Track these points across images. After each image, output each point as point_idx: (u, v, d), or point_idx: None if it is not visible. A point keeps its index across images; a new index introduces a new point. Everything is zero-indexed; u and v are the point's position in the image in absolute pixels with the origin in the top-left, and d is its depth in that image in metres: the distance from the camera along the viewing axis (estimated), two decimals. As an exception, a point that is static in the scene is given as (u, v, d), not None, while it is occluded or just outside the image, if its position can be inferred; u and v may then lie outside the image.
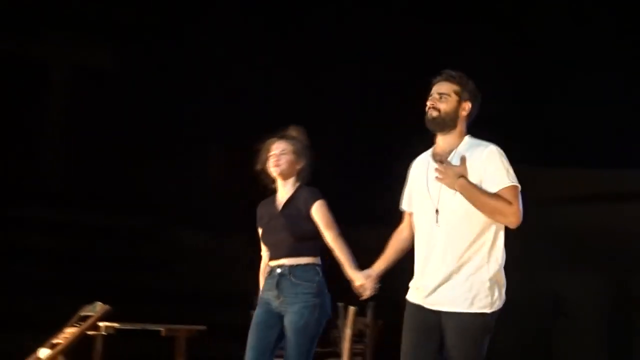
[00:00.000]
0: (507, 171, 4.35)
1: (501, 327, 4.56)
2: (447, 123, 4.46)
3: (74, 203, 10.17)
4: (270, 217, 5.44)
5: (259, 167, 5.49)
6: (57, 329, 6.92)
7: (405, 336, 4.45)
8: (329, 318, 5.49)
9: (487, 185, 4.33)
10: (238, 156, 7.06)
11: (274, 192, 5.50)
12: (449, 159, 4.39)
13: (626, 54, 9.45)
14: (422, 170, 4.54)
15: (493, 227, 4.37)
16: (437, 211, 4.40)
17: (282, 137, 5.48)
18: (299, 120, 5.58)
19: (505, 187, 4.33)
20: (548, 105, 9.97)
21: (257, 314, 5.42)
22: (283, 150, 5.42)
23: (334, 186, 5.62)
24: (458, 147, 4.45)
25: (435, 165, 4.38)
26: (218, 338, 8.57)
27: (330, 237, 5.29)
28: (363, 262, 5.05)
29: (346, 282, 5.17)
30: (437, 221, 4.40)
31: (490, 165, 4.35)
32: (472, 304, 4.32)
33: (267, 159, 5.45)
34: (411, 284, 4.53)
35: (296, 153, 5.43)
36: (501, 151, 4.40)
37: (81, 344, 6.93)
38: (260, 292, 5.49)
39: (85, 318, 6.94)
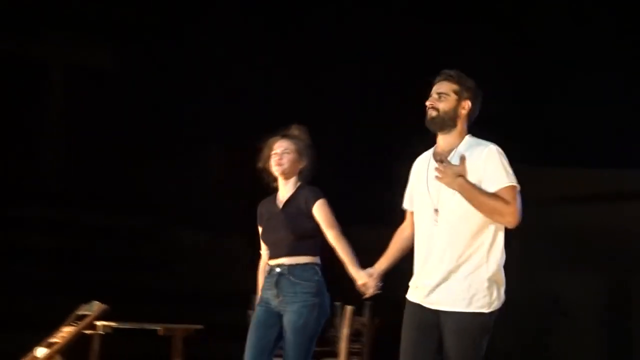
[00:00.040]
0: (506, 171, 4.36)
1: (501, 327, 4.56)
2: (446, 122, 4.47)
3: (74, 203, 10.17)
4: (270, 215, 5.45)
5: (260, 165, 5.50)
6: (57, 328, 6.93)
7: (405, 335, 4.45)
8: (328, 317, 5.50)
9: (486, 185, 4.33)
10: (238, 156, 7.07)
11: (275, 190, 5.50)
12: (449, 158, 4.40)
13: (626, 54, 9.45)
14: (422, 169, 4.55)
15: (492, 227, 4.37)
16: (436, 210, 4.41)
17: (284, 136, 5.48)
18: (299, 120, 5.59)
19: (504, 187, 4.33)
20: (548, 105, 9.97)
21: (256, 314, 5.42)
22: (286, 149, 5.42)
23: (334, 186, 5.62)
24: (458, 147, 4.45)
25: (436, 165, 4.39)
26: (218, 338, 8.57)
27: (332, 236, 5.29)
28: (363, 261, 5.05)
29: (343, 282, 5.17)
30: (436, 220, 4.41)
31: (489, 165, 4.36)
32: (470, 303, 4.33)
33: (269, 157, 5.45)
34: (411, 283, 4.53)
35: (299, 152, 5.44)
36: (501, 151, 4.41)
37: (78, 343, 6.93)
38: (260, 292, 5.50)
39: (82, 317, 6.94)
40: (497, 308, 4.38)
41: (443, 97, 4.48)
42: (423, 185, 4.50)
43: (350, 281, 5.10)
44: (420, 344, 4.41)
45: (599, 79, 9.33)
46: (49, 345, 6.81)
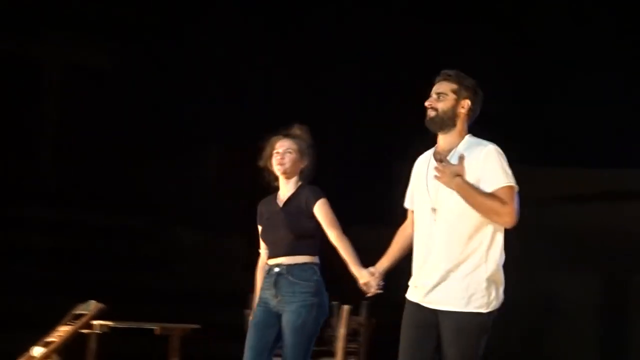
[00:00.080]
0: (504, 171, 4.36)
1: (500, 327, 4.56)
2: (445, 122, 4.47)
3: (74, 203, 10.17)
4: (270, 214, 5.45)
5: (262, 164, 5.50)
6: (54, 328, 6.93)
7: (404, 334, 4.46)
8: (327, 317, 5.50)
9: (484, 185, 4.34)
10: (238, 156, 7.07)
11: (275, 190, 5.51)
12: (448, 157, 4.41)
13: (626, 54, 9.45)
14: (423, 168, 4.56)
15: (491, 227, 4.37)
16: (434, 209, 4.42)
17: (286, 135, 5.48)
18: (299, 120, 5.59)
19: (502, 187, 4.33)
20: (548, 105, 9.97)
21: (255, 314, 5.42)
22: (287, 149, 5.42)
23: (334, 186, 5.62)
24: (458, 146, 4.46)
25: (436, 164, 4.40)
26: (218, 338, 8.57)
27: (333, 235, 5.29)
28: (363, 262, 5.06)
29: (340, 281, 5.18)
30: (434, 219, 4.41)
31: (487, 165, 4.36)
32: (468, 303, 4.33)
33: (271, 156, 5.45)
34: (410, 283, 4.54)
35: (300, 152, 5.44)
36: (500, 151, 4.41)
37: (75, 342, 6.92)
38: (258, 291, 5.50)
39: (79, 316, 6.93)
40: (495, 308, 4.38)
41: (442, 97, 4.49)
42: (423, 184, 4.51)
43: (347, 281, 5.10)
44: (419, 344, 4.41)
45: (599, 79, 9.33)
46: (46, 345, 6.80)
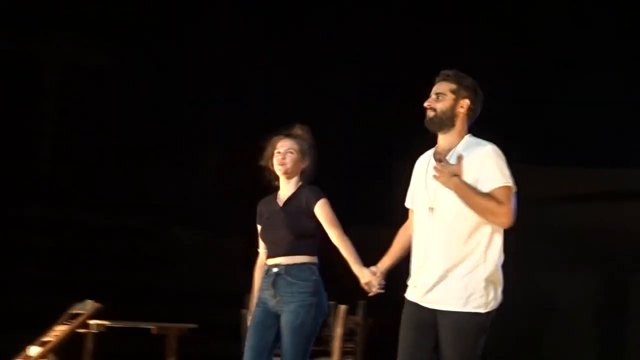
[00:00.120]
0: (502, 171, 4.37)
1: (500, 327, 4.56)
2: (444, 122, 4.49)
3: (74, 203, 10.16)
4: (270, 214, 5.45)
5: (263, 163, 5.50)
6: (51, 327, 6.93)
7: (403, 334, 4.47)
8: (326, 317, 5.50)
9: (482, 185, 4.35)
10: (238, 156, 7.07)
11: (275, 189, 5.51)
12: (447, 157, 4.42)
13: (626, 54, 9.45)
14: (423, 168, 4.58)
15: (489, 227, 4.38)
16: (432, 209, 4.43)
17: (288, 135, 5.49)
18: (299, 120, 5.59)
19: (498, 187, 4.35)
20: (548, 105, 9.96)
21: (255, 314, 5.43)
22: (289, 149, 5.43)
23: (334, 186, 5.62)
24: (457, 146, 4.47)
25: (435, 164, 4.41)
26: (216, 337, 8.57)
27: (334, 235, 5.30)
28: (363, 262, 5.06)
29: (337, 281, 5.17)
30: (433, 219, 4.42)
31: (485, 165, 4.37)
32: (466, 303, 4.34)
33: (272, 156, 5.46)
34: (409, 282, 4.54)
35: (301, 152, 5.45)
36: (498, 151, 4.42)
37: (72, 342, 6.92)
38: (256, 289, 5.50)
39: (75, 316, 6.92)
40: (494, 308, 4.39)
41: (440, 97, 4.52)
42: (422, 183, 4.52)
43: (343, 280, 5.10)
44: (418, 344, 4.42)
45: (599, 79, 9.32)
46: (42, 344, 6.81)
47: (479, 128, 4.56)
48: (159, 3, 10.54)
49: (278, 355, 5.40)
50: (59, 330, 6.83)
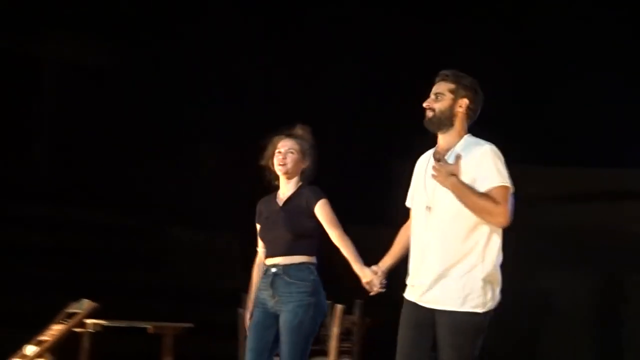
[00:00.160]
0: (499, 171, 4.37)
1: (499, 327, 4.56)
2: (443, 122, 4.50)
3: (74, 202, 10.16)
4: (269, 213, 5.46)
5: (263, 163, 5.51)
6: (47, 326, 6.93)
7: (401, 334, 4.48)
8: (325, 317, 5.50)
9: (479, 185, 4.36)
10: (238, 156, 7.07)
11: (275, 189, 5.51)
12: (446, 157, 4.43)
13: (626, 54, 9.45)
14: (422, 167, 4.60)
15: (487, 227, 4.38)
16: (429, 208, 4.43)
17: (289, 135, 5.49)
18: (299, 120, 5.59)
19: (495, 187, 4.35)
20: (548, 105, 9.97)
21: (254, 315, 5.43)
22: (290, 149, 5.43)
23: (334, 186, 5.62)
24: (455, 146, 4.48)
25: (434, 163, 4.42)
26: (214, 337, 8.57)
27: (335, 235, 5.30)
28: (363, 261, 5.06)
29: (335, 281, 5.17)
30: (430, 218, 4.43)
31: (482, 165, 4.38)
32: (464, 303, 4.34)
33: (272, 155, 5.46)
34: (408, 282, 4.55)
35: (302, 152, 5.45)
36: (496, 151, 4.42)
37: (68, 341, 6.91)
38: (254, 289, 5.50)
39: (72, 315, 6.92)
40: (491, 308, 4.39)
41: (439, 97, 4.53)
42: (421, 183, 4.53)
43: (340, 280, 5.10)
44: (417, 343, 4.43)
45: (599, 79, 9.32)
46: (39, 343, 6.80)
47: (479, 128, 4.57)
48: (159, 3, 10.53)
49: (279, 355, 5.40)
50: (56, 330, 6.82)
